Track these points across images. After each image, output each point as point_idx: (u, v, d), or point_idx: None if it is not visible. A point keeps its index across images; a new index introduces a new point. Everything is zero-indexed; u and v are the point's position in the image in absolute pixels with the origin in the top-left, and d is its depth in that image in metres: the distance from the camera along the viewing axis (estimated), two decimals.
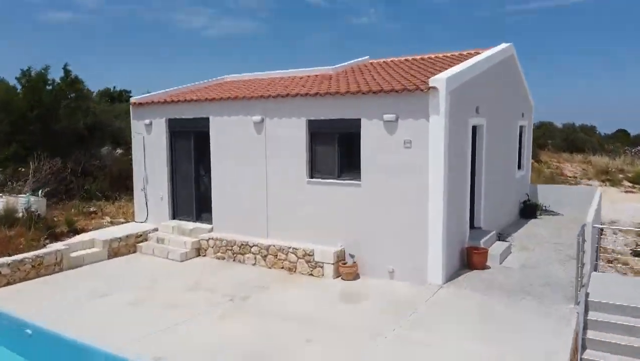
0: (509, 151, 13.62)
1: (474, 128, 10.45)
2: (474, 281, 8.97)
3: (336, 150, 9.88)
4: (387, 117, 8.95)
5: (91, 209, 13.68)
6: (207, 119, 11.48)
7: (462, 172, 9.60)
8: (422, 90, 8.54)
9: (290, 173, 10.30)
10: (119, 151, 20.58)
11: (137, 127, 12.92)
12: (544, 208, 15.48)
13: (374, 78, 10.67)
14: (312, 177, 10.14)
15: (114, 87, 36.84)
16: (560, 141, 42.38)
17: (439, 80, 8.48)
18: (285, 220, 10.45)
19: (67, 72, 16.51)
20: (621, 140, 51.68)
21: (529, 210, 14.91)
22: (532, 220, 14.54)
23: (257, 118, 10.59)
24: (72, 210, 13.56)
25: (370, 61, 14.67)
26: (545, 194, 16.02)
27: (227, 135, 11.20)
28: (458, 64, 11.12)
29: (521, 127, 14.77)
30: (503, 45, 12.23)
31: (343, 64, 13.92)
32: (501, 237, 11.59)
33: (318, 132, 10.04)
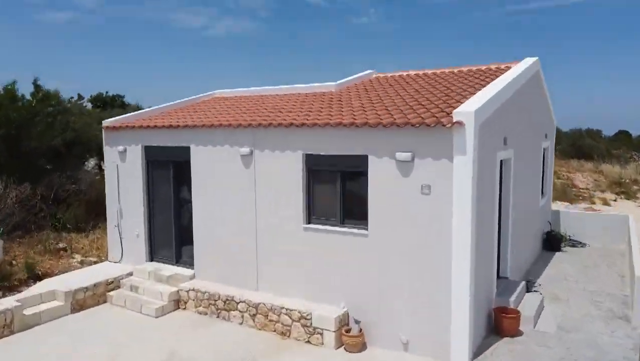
0: (534, 180, 12.01)
1: (501, 162, 8.85)
2: (505, 356, 7.39)
3: (338, 192, 8.27)
4: (400, 155, 7.35)
5: (60, 245, 12.06)
6: (188, 148, 9.89)
7: (489, 218, 7.99)
8: (444, 125, 6.95)
9: (284, 216, 8.70)
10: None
11: (110, 154, 11.31)
12: (568, 238, 13.95)
13: (383, 102, 9.06)
14: (309, 222, 8.54)
15: (107, 92, 35.38)
16: (567, 146, 41.00)
17: (466, 113, 6.87)
18: (277, 271, 8.86)
19: (37, 87, 14.88)
20: (624, 142, 50.37)
21: (553, 242, 13.36)
22: (557, 254, 12.99)
23: (246, 150, 9.00)
24: (39, 245, 11.94)
25: (376, 76, 13.05)
26: (567, 220, 14.44)
27: (210, 169, 9.61)
28: (478, 82, 9.57)
29: (544, 150, 13.18)
30: (529, 61, 10.61)
31: (346, 79, 12.33)
32: (529, 283, 10.01)
33: (317, 169, 8.44)
